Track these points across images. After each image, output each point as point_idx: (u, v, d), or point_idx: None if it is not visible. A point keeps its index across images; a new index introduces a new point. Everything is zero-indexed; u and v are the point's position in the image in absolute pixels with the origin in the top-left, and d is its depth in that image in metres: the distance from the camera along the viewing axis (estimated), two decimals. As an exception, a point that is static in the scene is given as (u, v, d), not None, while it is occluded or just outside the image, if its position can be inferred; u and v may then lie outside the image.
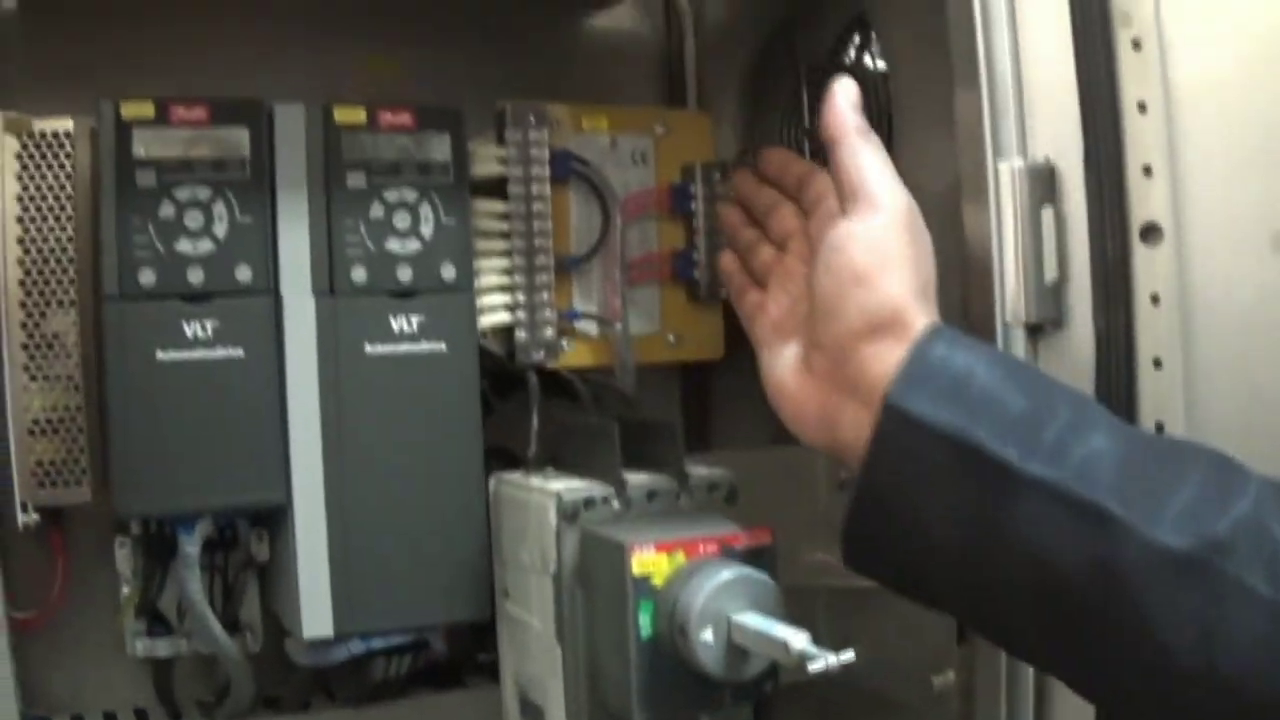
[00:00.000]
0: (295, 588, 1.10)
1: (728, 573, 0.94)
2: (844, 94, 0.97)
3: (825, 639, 1.15)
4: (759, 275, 1.11)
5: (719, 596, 0.93)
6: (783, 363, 1.00)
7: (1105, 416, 0.85)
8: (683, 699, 0.97)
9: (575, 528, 1.01)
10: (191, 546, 1.13)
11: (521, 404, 1.20)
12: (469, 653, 1.32)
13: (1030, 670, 0.99)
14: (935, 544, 0.84)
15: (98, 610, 1.28)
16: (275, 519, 1.16)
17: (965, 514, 0.82)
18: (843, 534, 0.90)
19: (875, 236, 0.92)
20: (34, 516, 1.16)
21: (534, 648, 1.07)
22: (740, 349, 1.24)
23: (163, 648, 1.24)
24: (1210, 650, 0.76)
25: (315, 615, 1.10)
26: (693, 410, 1.50)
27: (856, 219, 0.93)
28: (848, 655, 0.87)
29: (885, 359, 0.88)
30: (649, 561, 0.95)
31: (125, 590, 1.22)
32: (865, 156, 0.95)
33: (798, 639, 0.88)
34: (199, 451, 1.08)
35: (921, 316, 0.89)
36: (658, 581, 0.95)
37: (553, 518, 1.02)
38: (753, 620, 0.92)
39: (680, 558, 0.96)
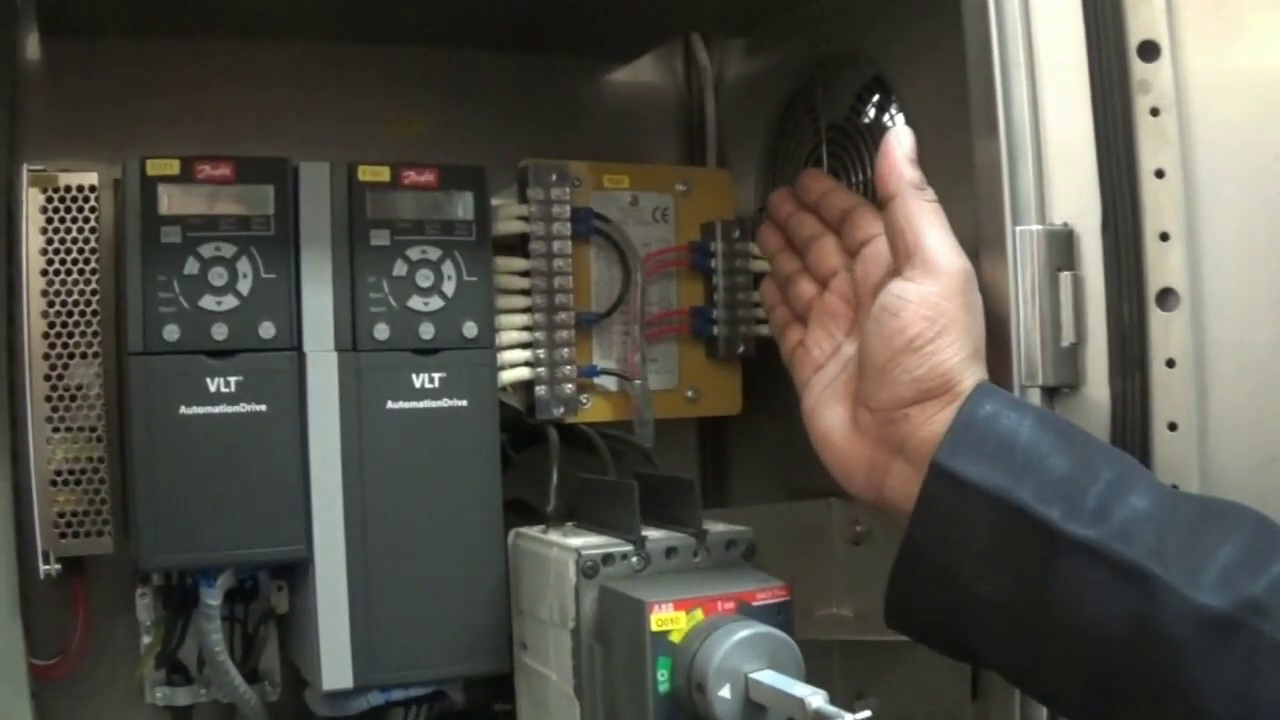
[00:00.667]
0: (315, 640, 1.11)
1: (745, 630, 0.94)
2: (900, 145, 0.98)
3: (840, 693, 1.17)
4: (799, 309, 1.12)
5: (736, 653, 0.93)
6: (830, 415, 1.01)
7: (1145, 476, 0.86)
8: (702, 754, 0.98)
9: (594, 584, 1.02)
10: (212, 599, 1.14)
11: (540, 457, 1.21)
12: (486, 703, 1.33)
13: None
14: (978, 601, 0.86)
15: (117, 659, 1.29)
16: (296, 571, 1.17)
17: (1009, 572, 0.84)
18: (887, 589, 0.92)
19: (932, 302, 0.93)
20: (56, 566, 1.17)
21: (552, 701, 1.08)
22: (758, 405, 1.26)
23: (182, 696, 1.25)
24: (1248, 711, 0.77)
25: (335, 667, 1.11)
26: (710, 464, 1.51)
27: (913, 282, 0.94)
28: (864, 715, 0.88)
29: (934, 421, 0.90)
30: (667, 618, 0.96)
31: (145, 640, 1.24)
32: (924, 216, 0.96)
33: (815, 698, 0.88)
34: (221, 505, 1.09)
35: (970, 378, 0.91)
36: (676, 638, 0.96)
37: (572, 573, 1.03)
38: (770, 678, 0.92)
39: (698, 615, 0.97)
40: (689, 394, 1.30)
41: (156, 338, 1.08)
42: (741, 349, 1.29)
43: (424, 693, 1.22)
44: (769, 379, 1.32)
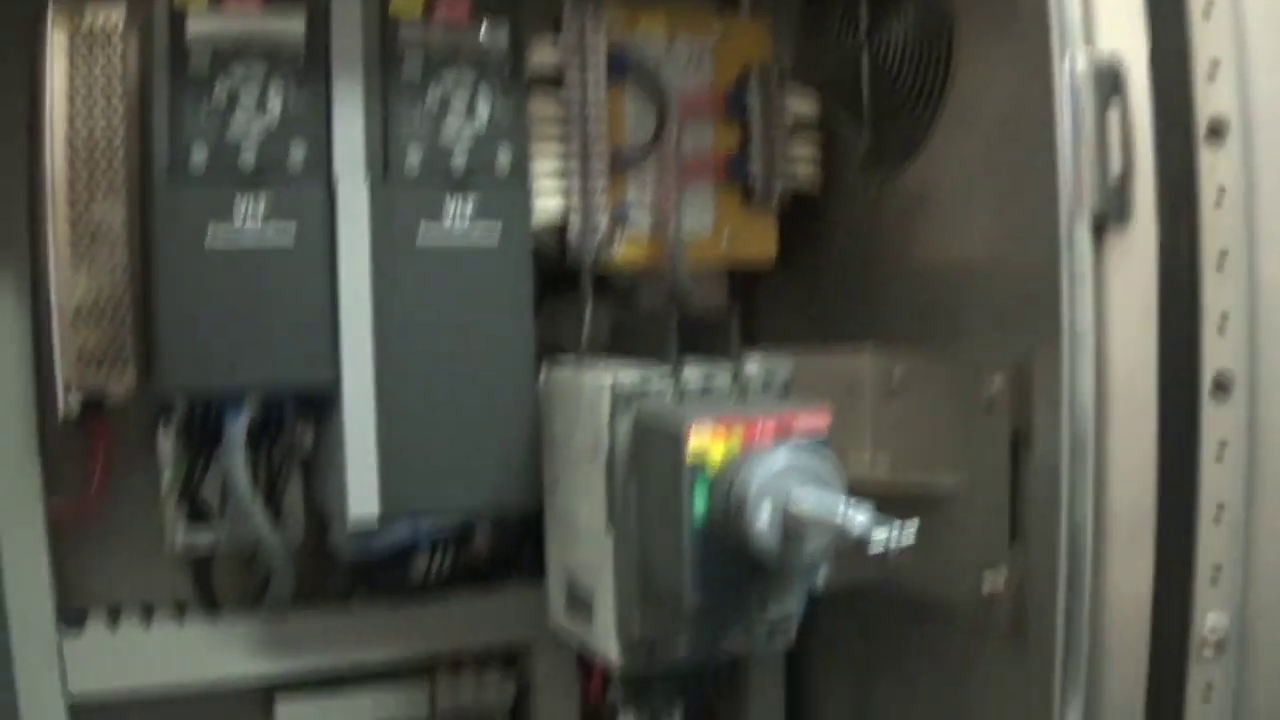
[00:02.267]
0: (342, 468, 1.12)
1: (785, 453, 0.95)
2: None
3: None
4: None
5: (777, 478, 0.94)
6: None
7: None
8: (736, 584, 0.99)
9: (629, 413, 1.03)
10: (237, 428, 1.15)
11: (573, 303, 1.22)
12: (512, 553, 1.35)
13: (1088, 569, 1.01)
14: None
15: (137, 504, 1.31)
16: (322, 408, 1.18)
17: None
18: None
19: None
20: (76, 401, 1.17)
21: (583, 538, 1.09)
22: (791, 255, 1.27)
23: (203, 539, 1.26)
24: None
25: (361, 495, 1.12)
26: (741, 315, 1.51)
27: None
28: (911, 529, 0.89)
29: None
30: (705, 443, 0.97)
31: (166, 479, 1.24)
32: None
33: (858, 516, 0.89)
34: (247, 331, 1.10)
35: None
36: (713, 463, 0.97)
37: (606, 403, 1.03)
38: (811, 498, 0.93)
39: (737, 439, 0.98)
40: (724, 240, 1.30)
41: (183, 164, 1.08)
42: (777, 198, 1.29)
43: (450, 534, 1.23)
44: (803, 229, 1.33)
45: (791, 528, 0.93)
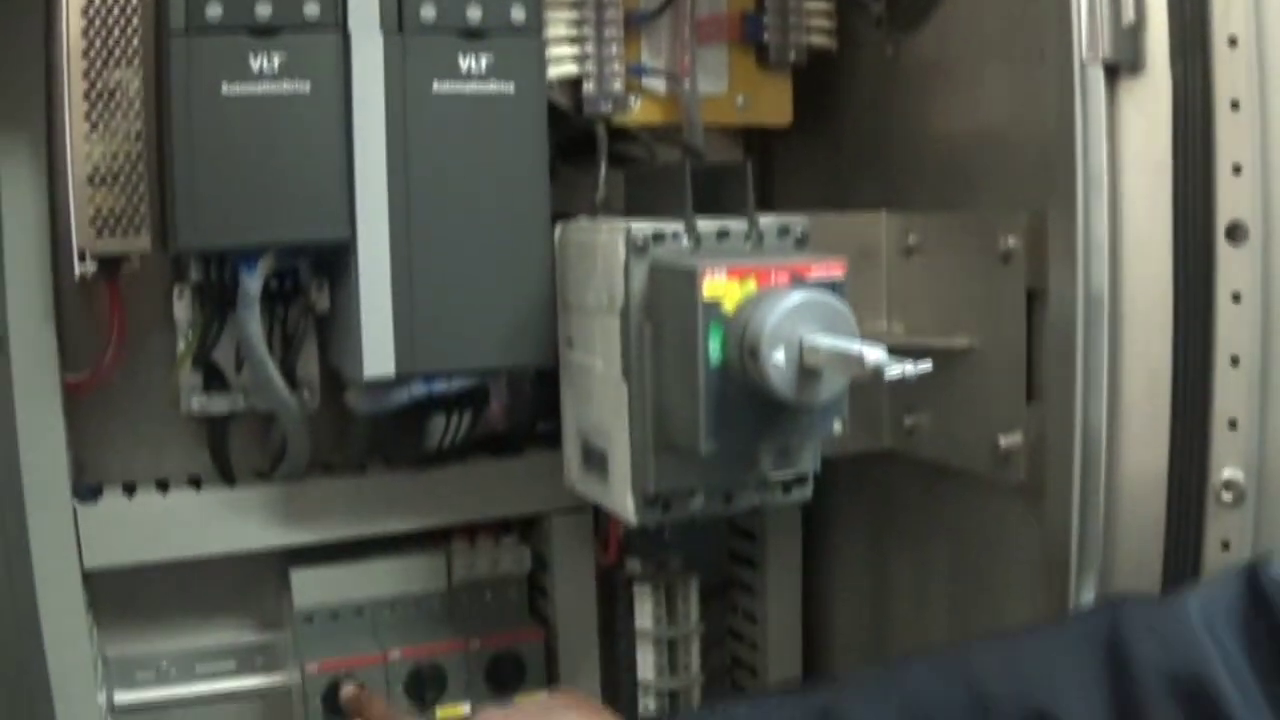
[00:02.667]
0: (357, 326, 1.12)
1: (801, 294, 0.96)
2: None
3: (889, 411, 1.20)
4: None
5: (792, 317, 0.95)
6: None
7: None
8: (751, 428, 1.00)
9: (644, 261, 1.03)
10: (253, 283, 1.15)
11: (587, 170, 1.22)
12: (528, 424, 1.36)
13: (1104, 423, 1.02)
14: None
15: (152, 370, 1.32)
16: (337, 267, 1.19)
17: None
18: None
19: None
20: (91, 266, 1.18)
21: (598, 392, 1.10)
22: (807, 117, 1.27)
23: (218, 404, 1.28)
24: None
25: (377, 353, 1.12)
26: (757, 175, 1.51)
27: None
28: (925, 365, 0.90)
29: None
30: (720, 286, 0.97)
31: (182, 344, 1.26)
32: None
33: (873, 351, 0.90)
34: (262, 186, 1.10)
35: None
36: (728, 307, 0.98)
37: (621, 251, 1.04)
38: (826, 338, 0.94)
39: (751, 285, 0.98)
40: (739, 101, 1.30)
41: (199, 15, 1.08)
42: (793, 57, 1.29)
43: (465, 391, 1.24)
44: (819, 91, 1.33)
45: (807, 366, 0.93)
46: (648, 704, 1.42)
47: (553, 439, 1.25)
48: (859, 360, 0.90)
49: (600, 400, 1.09)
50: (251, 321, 1.16)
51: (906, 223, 1.24)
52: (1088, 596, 1.05)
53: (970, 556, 1.25)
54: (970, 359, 1.16)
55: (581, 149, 1.23)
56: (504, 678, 1.36)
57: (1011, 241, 1.11)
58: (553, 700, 1.12)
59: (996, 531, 1.22)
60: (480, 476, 1.34)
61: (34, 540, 1.19)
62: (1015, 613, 1.18)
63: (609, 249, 1.05)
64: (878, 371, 0.89)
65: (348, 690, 1.28)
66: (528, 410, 1.33)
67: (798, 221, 1.09)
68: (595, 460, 1.11)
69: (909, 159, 1.28)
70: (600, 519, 1.38)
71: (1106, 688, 0.86)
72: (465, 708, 1.24)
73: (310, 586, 1.35)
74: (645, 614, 1.42)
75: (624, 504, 1.06)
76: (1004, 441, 1.13)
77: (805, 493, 1.09)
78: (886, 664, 0.94)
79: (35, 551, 1.19)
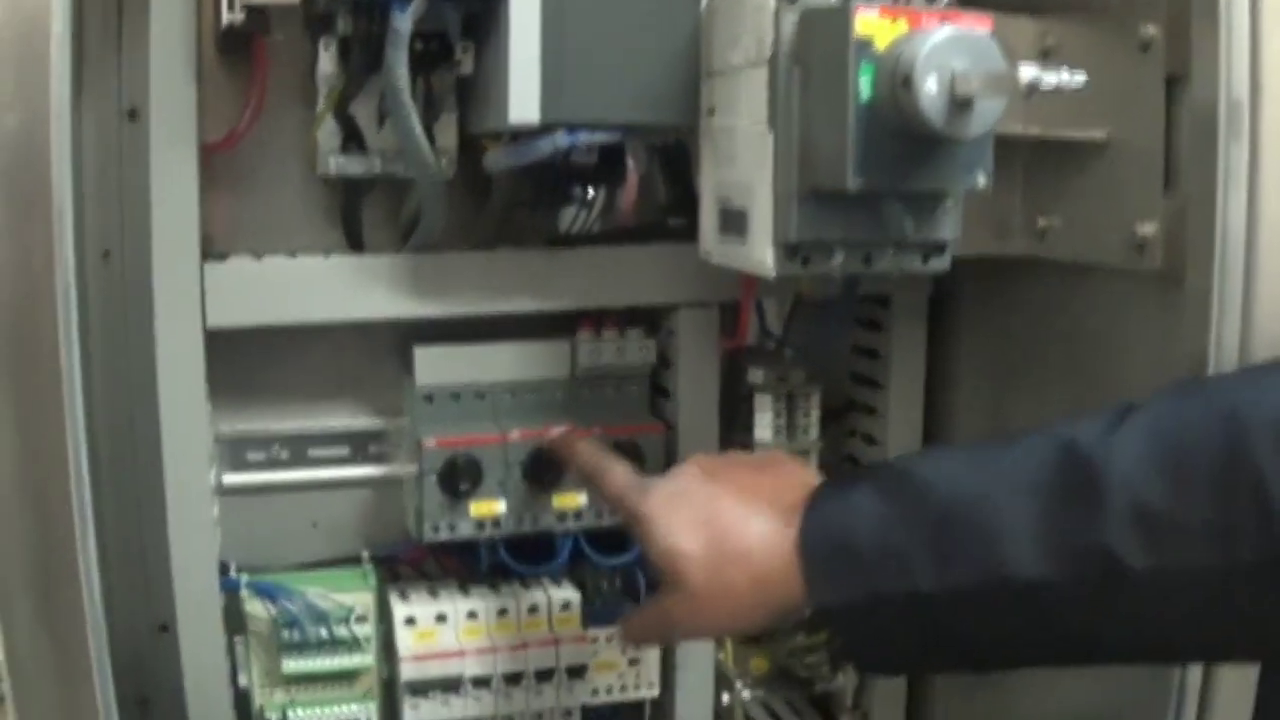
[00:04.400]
0: (505, 74, 1.15)
1: (953, 29, 0.99)
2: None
3: (1020, 209, 1.22)
4: None
5: (945, 48, 0.97)
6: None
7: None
8: (897, 169, 1.03)
9: (794, 9, 1.06)
10: (403, 23, 1.18)
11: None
12: (659, 218, 1.40)
13: (1244, 205, 1.04)
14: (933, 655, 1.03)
15: (292, 132, 1.37)
16: (484, 28, 1.22)
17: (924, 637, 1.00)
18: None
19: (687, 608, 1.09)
20: (240, 15, 1.21)
21: (740, 151, 1.12)
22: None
23: (355, 166, 1.32)
24: None
25: (523, 99, 1.15)
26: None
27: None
28: (1079, 76, 0.92)
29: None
30: (872, 24, 1.00)
31: (322, 102, 1.30)
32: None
33: (1027, 68, 0.93)
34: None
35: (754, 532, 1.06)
36: (880, 45, 1.00)
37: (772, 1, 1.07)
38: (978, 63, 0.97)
39: (903, 24, 1.01)
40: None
41: None
42: None
43: (603, 160, 1.28)
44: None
45: (959, 96, 0.96)
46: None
47: (684, 234, 1.29)
48: (1011, 77, 0.92)
49: (743, 158, 1.12)
50: (399, 64, 1.18)
51: (1044, 25, 1.26)
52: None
53: (1099, 365, 1.27)
54: (1106, 151, 1.19)
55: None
56: (625, 467, 1.38)
57: (1151, 30, 1.14)
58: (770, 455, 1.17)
59: (1127, 338, 1.24)
60: (610, 261, 1.37)
61: (159, 297, 1.24)
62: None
63: (758, 3, 1.08)
64: (1033, 88, 0.91)
65: (556, 432, 1.35)
66: (663, 194, 1.36)
67: (943, -2, 1.10)
68: (734, 222, 1.13)
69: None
70: (726, 317, 1.41)
71: None
72: None
73: (433, 365, 1.40)
74: (765, 424, 1.46)
75: (763, 257, 1.09)
76: (1140, 230, 1.15)
77: (944, 262, 1.12)
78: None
79: (159, 308, 1.24)
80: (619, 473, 1.19)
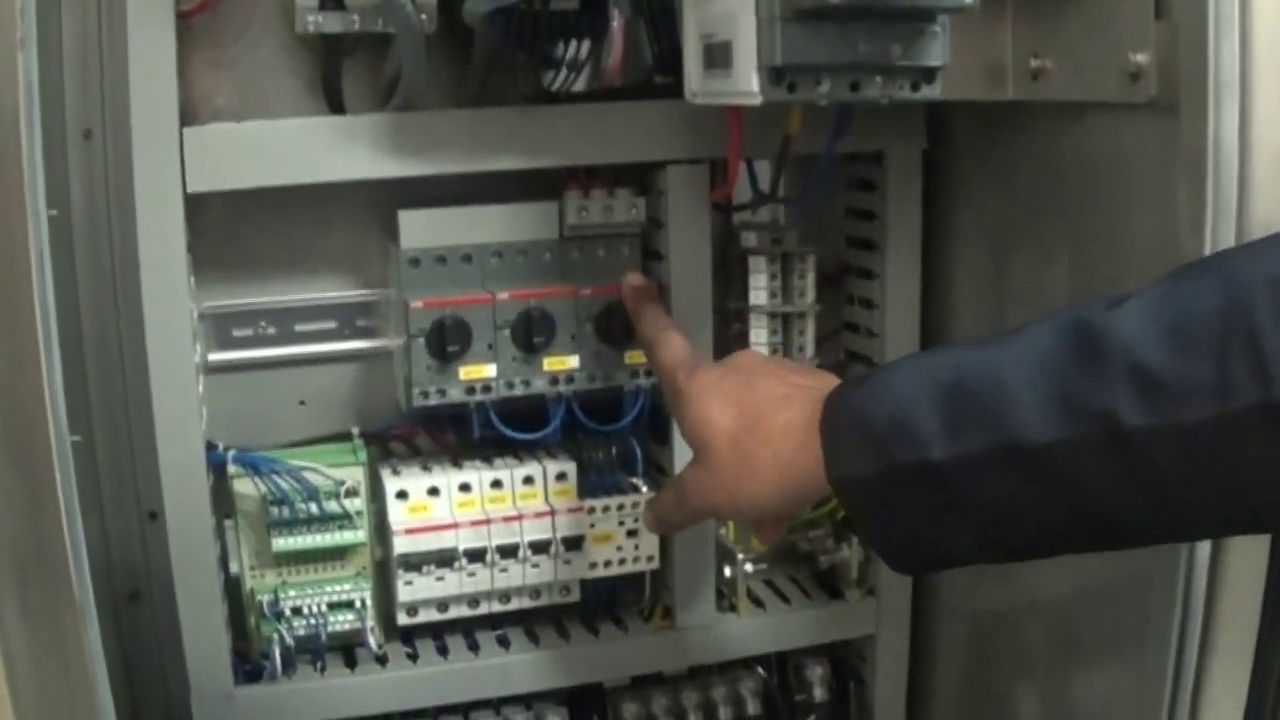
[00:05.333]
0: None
1: None
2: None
3: (1014, 53, 1.22)
4: None
5: None
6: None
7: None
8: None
9: None
10: None
11: None
12: (644, 76, 1.40)
13: (1236, 36, 1.04)
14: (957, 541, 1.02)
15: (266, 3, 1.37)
16: None
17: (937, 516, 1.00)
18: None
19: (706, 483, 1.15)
20: None
21: (723, -19, 1.11)
22: None
23: (333, 23, 1.31)
24: None
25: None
26: None
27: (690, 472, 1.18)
28: None
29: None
30: None
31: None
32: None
33: None
34: None
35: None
36: None
37: None
38: None
39: None
40: None
41: None
42: None
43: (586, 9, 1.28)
44: None
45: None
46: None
47: (669, 90, 1.28)
48: None
49: (726, -12, 1.10)
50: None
51: None
52: (1227, 205, 1.08)
53: (1100, 210, 1.27)
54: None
55: None
56: (614, 327, 1.40)
57: None
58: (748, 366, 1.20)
59: (1128, 180, 1.23)
60: (597, 118, 1.36)
61: (138, 164, 1.24)
62: (1146, 269, 1.20)
63: None
64: None
65: (633, 278, 1.39)
66: (649, 55, 1.36)
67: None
68: (719, 55, 1.12)
69: None
70: (716, 174, 1.41)
71: None
72: None
73: (418, 228, 1.40)
74: (760, 286, 1.46)
75: (749, 84, 1.08)
76: (1134, 59, 1.14)
77: (934, 90, 1.11)
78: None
79: (139, 175, 1.24)
80: (674, 346, 1.25)
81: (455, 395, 1.38)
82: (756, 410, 1.11)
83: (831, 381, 1.11)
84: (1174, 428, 0.87)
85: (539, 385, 1.40)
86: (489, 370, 1.38)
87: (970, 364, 0.98)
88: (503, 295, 1.37)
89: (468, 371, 1.37)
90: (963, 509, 0.98)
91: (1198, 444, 0.87)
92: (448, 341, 1.35)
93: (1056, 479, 0.93)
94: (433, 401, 1.38)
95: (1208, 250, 1.08)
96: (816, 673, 1.64)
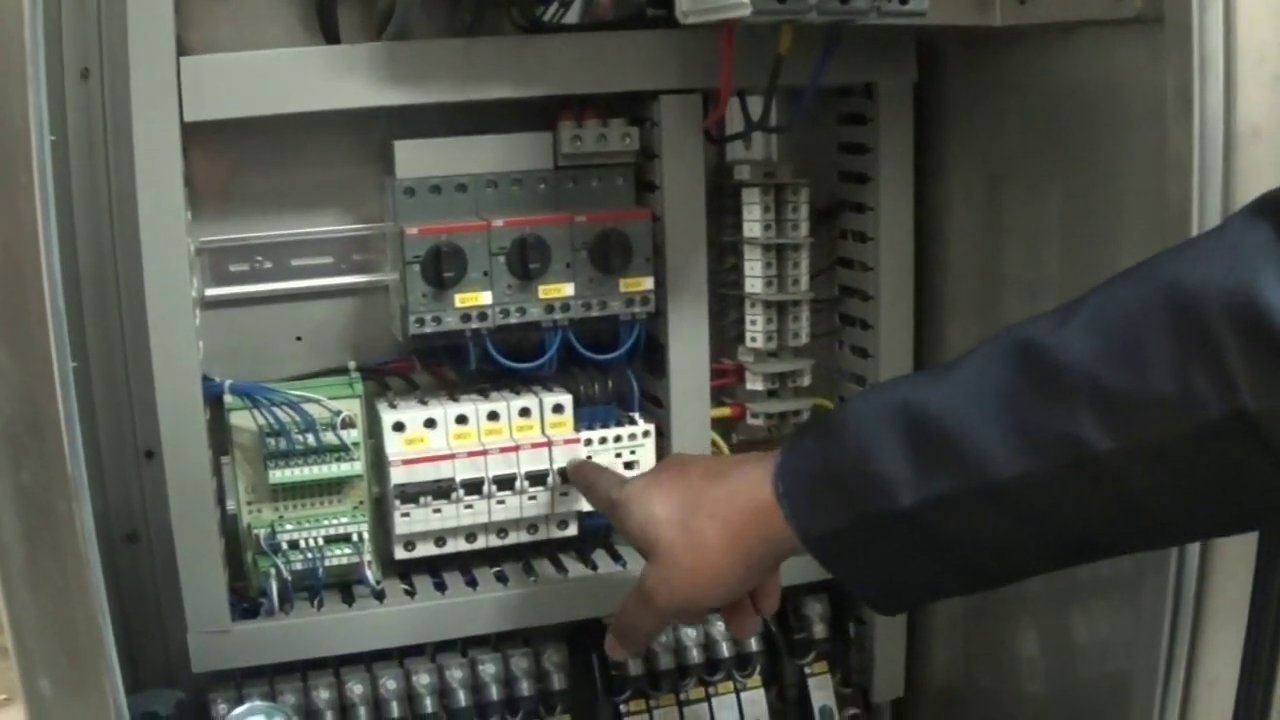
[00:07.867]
0: None
1: None
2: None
3: None
4: None
5: None
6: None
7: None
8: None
9: None
10: None
11: None
12: (639, 10, 1.45)
13: None
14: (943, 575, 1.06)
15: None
16: None
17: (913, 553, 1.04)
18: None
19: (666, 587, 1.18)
20: None
21: None
22: None
23: (327, -52, 1.34)
24: None
25: None
26: None
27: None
28: None
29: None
30: None
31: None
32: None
33: None
34: None
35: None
36: None
37: None
38: None
39: None
40: None
41: None
42: None
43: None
44: None
45: None
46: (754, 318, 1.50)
47: (662, 22, 1.33)
48: None
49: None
50: None
51: None
52: (1214, 114, 1.11)
53: (1091, 133, 1.31)
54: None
55: None
56: (609, 254, 1.44)
57: None
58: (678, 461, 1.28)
59: (1117, 100, 1.27)
60: (590, 47, 1.40)
61: (135, 95, 1.28)
62: (1138, 193, 1.26)
63: None
64: None
65: (573, 462, 1.45)
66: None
67: None
68: (713, -29, 1.16)
69: None
70: (709, 106, 1.45)
71: None
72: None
73: (413, 158, 1.43)
74: (754, 220, 1.50)
75: (738, -3, 1.11)
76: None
77: (922, 4, 1.16)
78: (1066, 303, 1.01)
79: (136, 105, 1.28)
80: (604, 472, 1.35)
81: (451, 323, 1.41)
82: (697, 491, 1.14)
83: (766, 455, 1.13)
84: (1142, 446, 0.91)
85: (535, 313, 1.44)
86: (484, 297, 1.41)
87: (925, 402, 1.01)
88: (498, 222, 1.41)
89: (463, 298, 1.41)
90: (940, 548, 1.02)
91: (1168, 460, 0.91)
92: (443, 268, 1.38)
93: (1029, 509, 0.97)
94: (429, 329, 1.41)
95: (1197, 167, 1.11)
96: (816, 610, 1.67)
